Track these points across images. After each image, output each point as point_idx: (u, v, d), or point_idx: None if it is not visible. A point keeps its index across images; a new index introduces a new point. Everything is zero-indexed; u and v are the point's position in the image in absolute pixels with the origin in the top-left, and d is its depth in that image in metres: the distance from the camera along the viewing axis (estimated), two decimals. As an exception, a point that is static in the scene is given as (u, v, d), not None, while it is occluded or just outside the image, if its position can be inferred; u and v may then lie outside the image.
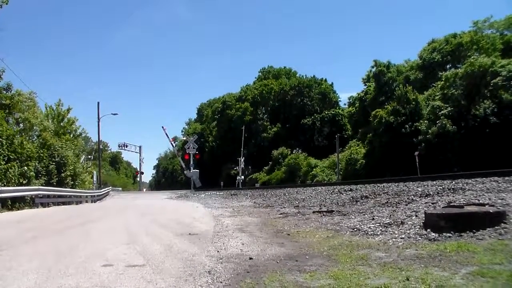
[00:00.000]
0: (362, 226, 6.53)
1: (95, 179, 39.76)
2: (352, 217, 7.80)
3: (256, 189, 27.70)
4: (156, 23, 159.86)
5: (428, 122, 30.00)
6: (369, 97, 43.93)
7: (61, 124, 31.91)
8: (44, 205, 16.15)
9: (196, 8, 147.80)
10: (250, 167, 59.13)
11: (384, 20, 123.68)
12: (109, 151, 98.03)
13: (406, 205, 7.88)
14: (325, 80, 65.48)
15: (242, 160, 53.47)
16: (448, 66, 37.71)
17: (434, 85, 33.52)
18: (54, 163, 19.80)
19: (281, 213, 10.20)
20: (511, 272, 3.40)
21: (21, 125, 24.93)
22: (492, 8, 70.25)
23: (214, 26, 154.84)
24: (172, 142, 76.81)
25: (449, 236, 4.92)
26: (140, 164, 72.16)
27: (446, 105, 29.33)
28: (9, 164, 14.91)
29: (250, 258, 4.80)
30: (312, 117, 58.90)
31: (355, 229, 6.40)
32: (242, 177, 52.28)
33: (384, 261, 4.21)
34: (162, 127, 68.53)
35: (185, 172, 56.25)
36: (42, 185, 17.21)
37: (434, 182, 10.82)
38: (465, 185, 9.22)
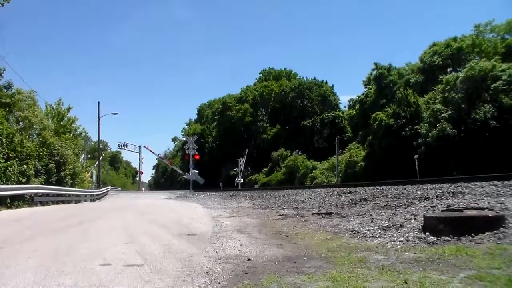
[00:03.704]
0: (361, 228, 6.53)
1: (94, 178, 39.79)
2: (351, 219, 7.79)
3: (255, 190, 27.66)
4: (156, 23, 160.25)
5: (428, 125, 30.02)
6: (370, 99, 43.96)
7: (61, 123, 31.92)
8: (43, 203, 16.13)
9: (197, 8, 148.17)
10: (249, 168, 59.13)
11: (385, 23, 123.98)
12: (109, 150, 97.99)
13: (405, 208, 7.87)
14: (326, 82, 65.53)
15: (241, 162, 53.44)
16: (448, 70, 37.72)
17: (435, 88, 33.54)
18: (53, 162, 19.77)
19: (280, 215, 10.19)
20: (509, 276, 3.40)
21: (21, 123, 24.94)
22: (493, 12, 70.32)
23: (215, 26, 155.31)
24: (160, 156, 77.78)
25: (448, 240, 4.92)
26: (139, 164, 72.13)
27: (446, 108, 29.35)
28: (8, 163, 14.90)
29: (249, 259, 4.80)
30: (312, 119, 58.88)
31: (354, 232, 6.40)
32: (241, 179, 52.27)
33: (383, 264, 4.21)
34: (145, 146, 68.81)
35: (185, 176, 56.27)
36: (41, 183, 17.20)
37: (434, 186, 10.80)
38: (464, 189, 9.21)
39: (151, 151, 70.21)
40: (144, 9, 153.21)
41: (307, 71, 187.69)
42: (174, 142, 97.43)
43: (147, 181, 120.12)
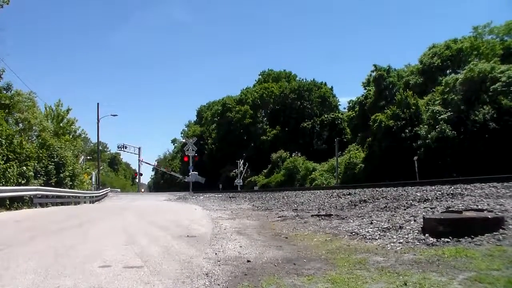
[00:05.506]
0: (361, 230, 6.53)
1: (94, 180, 39.72)
2: (351, 221, 7.79)
3: (255, 192, 27.67)
4: (155, 25, 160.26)
5: (427, 127, 30.03)
6: (369, 101, 44.03)
7: (61, 124, 31.91)
8: (42, 205, 16.11)
9: (196, 10, 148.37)
10: (249, 169, 59.11)
11: (385, 24, 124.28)
12: (108, 152, 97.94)
13: (405, 209, 7.88)
14: (325, 84, 65.65)
15: (241, 163, 53.39)
16: (448, 71, 37.78)
17: (434, 90, 33.59)
18: (53, 164, 19.76)
19: (280, 216, 10.19)
20: (509, 278, 3.40)
21: (21, 125, 24.90)
22: (493, 13, 70.55)
23: (214, 28, 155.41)
24: (157, 166, 78.28)
25: (447, 241, 4.92)
26: (139, 165, 72.13)
27: (445, 110, 29.38)
28: (8, 164, 14.89)
29: (248, 261, 4.80)
30: (312, 120, 58.94)
31: (353, 233, 6.40)
32: (241, 181, 52.22)
33: (382, 266, 4.21)
34: (140, 159, 69.18)
35: (186, 179, 56.25)
36: (40, 185, 17.17)
37: (433, 187, 10.83)
38: (463, 190, 9.23)
39: (147, 163, 70.51)
40: (144, 10, 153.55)
41: (306, 72, 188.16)
42: (173, 144, 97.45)
43: (146, 183, 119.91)
